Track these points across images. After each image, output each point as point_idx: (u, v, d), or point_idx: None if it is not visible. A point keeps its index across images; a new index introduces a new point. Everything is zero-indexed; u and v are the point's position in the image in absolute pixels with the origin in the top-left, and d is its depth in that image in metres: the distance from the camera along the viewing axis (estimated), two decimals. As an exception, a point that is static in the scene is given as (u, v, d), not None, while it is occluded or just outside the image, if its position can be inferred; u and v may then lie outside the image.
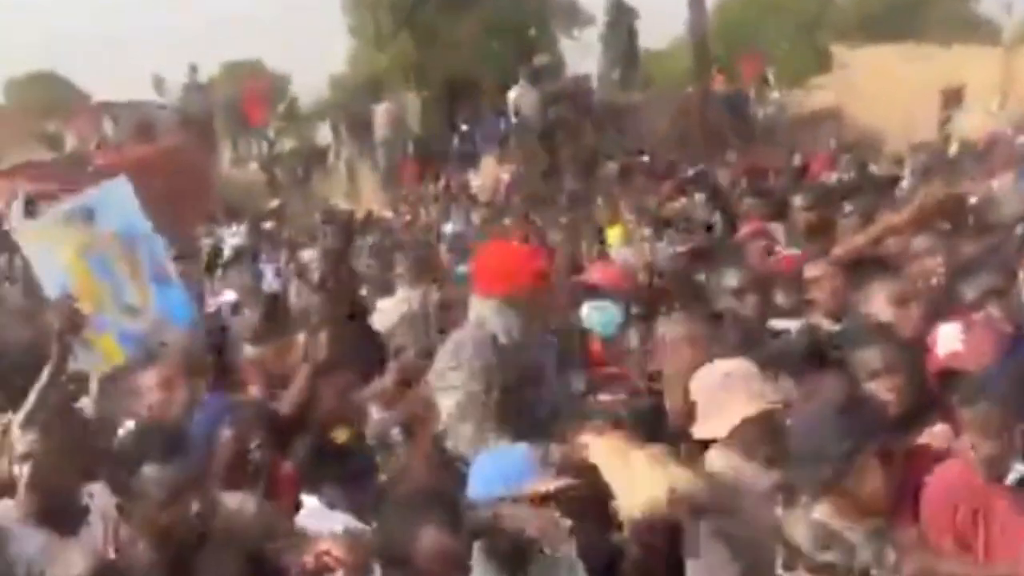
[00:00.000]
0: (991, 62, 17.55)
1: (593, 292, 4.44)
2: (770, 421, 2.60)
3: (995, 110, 15.89)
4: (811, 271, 3.94)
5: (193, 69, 16.42)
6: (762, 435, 2.58)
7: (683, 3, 14.38)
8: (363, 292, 5.57)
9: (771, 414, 2.61)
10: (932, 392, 2.84)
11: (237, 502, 2.64)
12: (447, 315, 4.60)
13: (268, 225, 9.87)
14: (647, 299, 4.29)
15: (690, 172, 9.82)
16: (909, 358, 2.85)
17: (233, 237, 9.04)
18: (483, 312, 3.16)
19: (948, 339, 2.98)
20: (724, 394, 2.65)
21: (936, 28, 22.84)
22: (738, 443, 2.61)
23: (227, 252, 7.94)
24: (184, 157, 14.38)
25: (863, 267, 3.85)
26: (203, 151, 15.60)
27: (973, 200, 4.98)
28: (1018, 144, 11.49)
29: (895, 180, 8.25)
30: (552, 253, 5.16)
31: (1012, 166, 8.33)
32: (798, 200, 5.91)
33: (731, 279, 3.80)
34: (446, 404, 3.06)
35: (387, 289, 5.58)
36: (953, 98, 17.28)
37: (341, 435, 3.12)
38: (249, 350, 3.85)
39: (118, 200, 3.83)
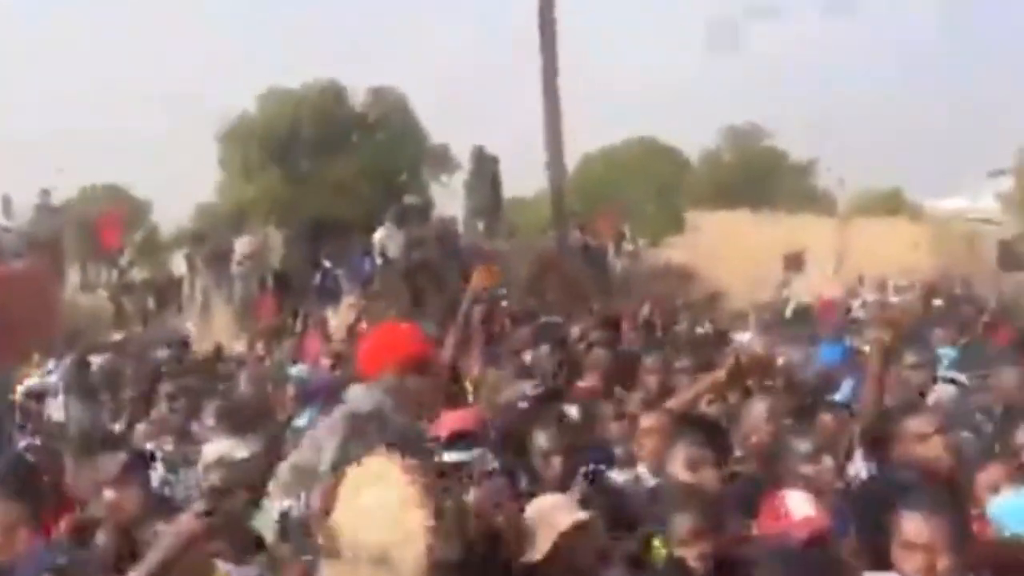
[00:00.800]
0: (828, 231, 19.14)
1: (454, 440, 4.28)
2: (591, 531, 2.75)
3: (831, 274, 17.19)
4: (645, 422, 4.00)
5: (46, 192, 15.87)
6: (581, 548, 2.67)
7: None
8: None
9: (589, 524, 2.77)
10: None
11: None
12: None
13: (100, 359, 9.28)
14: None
15: (542, 320, 10.00)
16: (716, 524, 2.88)
17: (50, 374, 8.48)
18: (354, 392, 3.09)
19: (801, 505, 3.03)
20: (545, 522, 2.77)
21: (781, 198, 24.78)
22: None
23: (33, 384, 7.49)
24: (27, 284, 13.72)
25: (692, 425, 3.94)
26: (49, 278, 14.92)
27: (780, 362, 5.22)
28: (848, 308, 12.42)
29: (723, 336, 8.60)
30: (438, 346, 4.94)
31: (837, 332, 8.95)
32: (649, 361, 6.03)
33: (541, 440, 3.77)
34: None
35: (186, 438, 5.22)
36: (794, 262, 18.60)
37: None
38: (108, 494, 3.59)
39: None
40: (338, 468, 2.78)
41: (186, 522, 3.04)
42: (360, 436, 2.95)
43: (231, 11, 51.29)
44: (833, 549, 2.85)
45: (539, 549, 2.73)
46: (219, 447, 4.65)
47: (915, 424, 3.41)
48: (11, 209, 15.69)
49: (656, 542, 2.90)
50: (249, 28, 50.84)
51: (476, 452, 3.88)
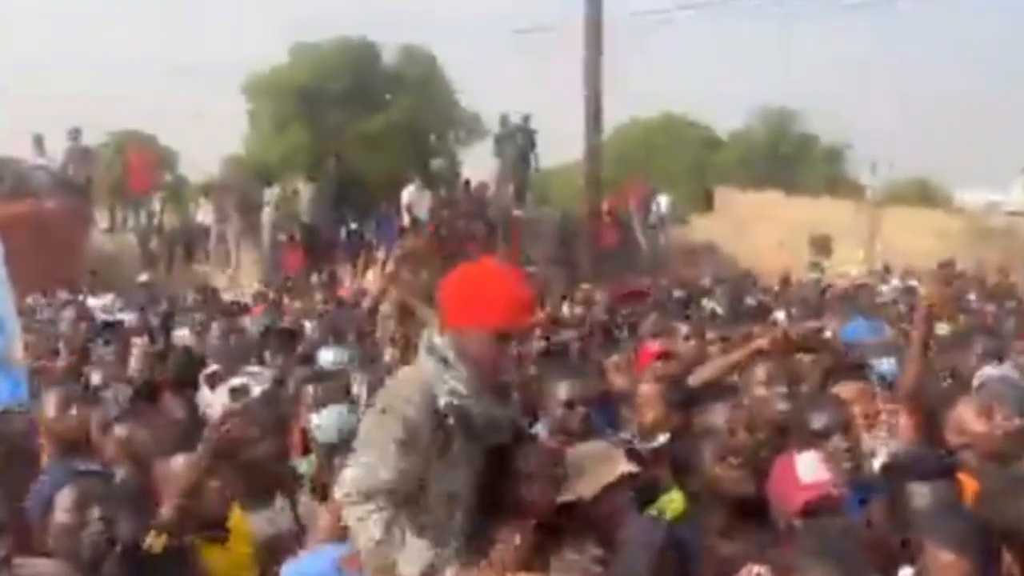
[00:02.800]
0: (857, 216, 18.95)
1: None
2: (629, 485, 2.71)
3: (860, 258, 17.05)
4: (645, 390, 3.86)
5: (75, 133, 15.84)
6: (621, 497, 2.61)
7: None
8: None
9: (635, 477, 2.73)
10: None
11: (45, 568, 2.39)
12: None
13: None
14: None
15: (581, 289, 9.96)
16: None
17: (106, 312, 8.57)
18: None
19: (810, 468, 2.87)
20: (597, 464, 2.72)
21: (810, 182, 24.50)
22: None
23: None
24: (55, 221, 13.86)
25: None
26: (76, 216, 15.03)
27: (828, 335, 5.12)
28: (879, 292, 12.33)
29: (767, 311, 8.52)
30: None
31: (874, 312, 8.87)
32: (684, 329, 6.02)
33: (564, 390, 3.71)
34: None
35: None
36: (821, 245, 18.48)
37: (157, 543, 2.79)
38: (118, 429, 3.60)
39: None
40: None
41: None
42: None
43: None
44: (841, 515, 2.78)
45: (586, 489, 2.69)
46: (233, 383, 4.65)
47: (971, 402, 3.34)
48: (43, 148, 15.71)
49: (673, 496, 2.88)
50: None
51: None
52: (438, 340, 2.44)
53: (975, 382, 4.26)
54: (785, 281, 13.64)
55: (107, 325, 6.78)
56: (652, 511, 2.77)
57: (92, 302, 9.93)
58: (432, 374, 2.39)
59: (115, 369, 5.41)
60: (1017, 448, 3.17)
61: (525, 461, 2.62)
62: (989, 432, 3.17)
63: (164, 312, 8.00)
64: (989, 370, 4.75)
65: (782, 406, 3.50)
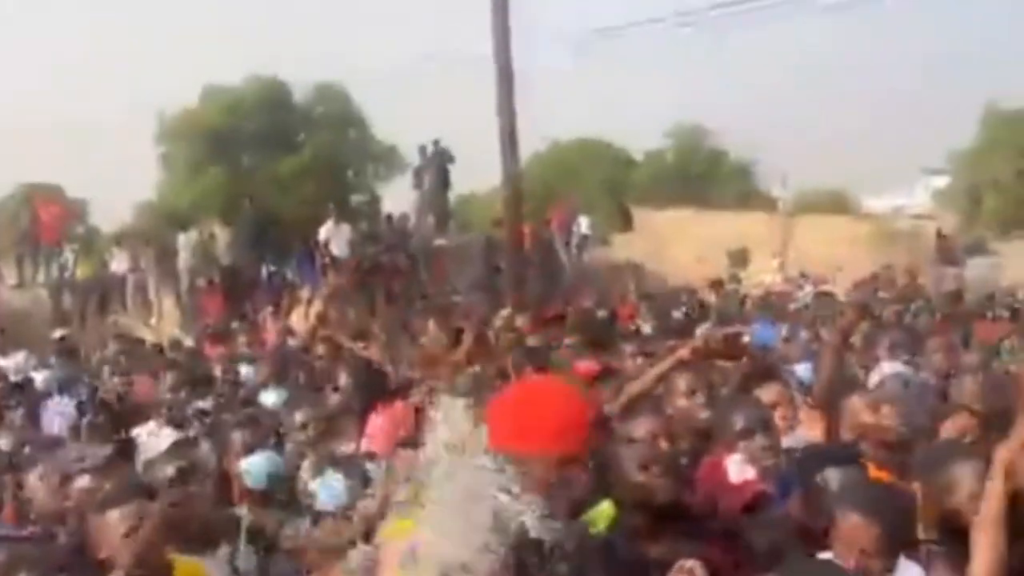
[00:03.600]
0: (770, 228, 19.55)
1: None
2: None
3: (776, 268, 17.57)
4: None
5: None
6: None
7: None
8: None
9: None
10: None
11: None
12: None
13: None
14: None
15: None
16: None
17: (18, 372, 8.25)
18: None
19: (739, 469, 2.99)
20: None
21: (722, 197, 25.18)
22: None
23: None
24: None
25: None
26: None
27: (746, 339, 5.26)
28: (796, 297, 12.73)
29: (693, 325, 8.67)
30: None
31: (791, 319, 9.16)
32: (628, 348, 6.09)
33: None
34: None
35: None
36: (738, 258, 19.01)
37: None
38: (83, 481, 3.51)
39: None
40: None
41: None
42: None
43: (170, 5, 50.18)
44: (770, 513, 2.90)
45: None
46: (167, 438, 4.54)
47: (867, 394, 3.56)
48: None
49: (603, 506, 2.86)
50: (186, 23, 49.82)
51: None
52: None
53: (873, 379, 4.51)
54: (716, 284, 14.02)
55: (16, 386, 6.51)
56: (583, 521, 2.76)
57: (2, 362, 9.55)
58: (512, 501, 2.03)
59: (26, 432, 5.19)
60: (901, 435, 3.43)
61: None
62: (876, 424, 3.44)
63: (92, 386, 7.71)
64: (885, 367, 5.00)
65: (703, 415, 3.60)
